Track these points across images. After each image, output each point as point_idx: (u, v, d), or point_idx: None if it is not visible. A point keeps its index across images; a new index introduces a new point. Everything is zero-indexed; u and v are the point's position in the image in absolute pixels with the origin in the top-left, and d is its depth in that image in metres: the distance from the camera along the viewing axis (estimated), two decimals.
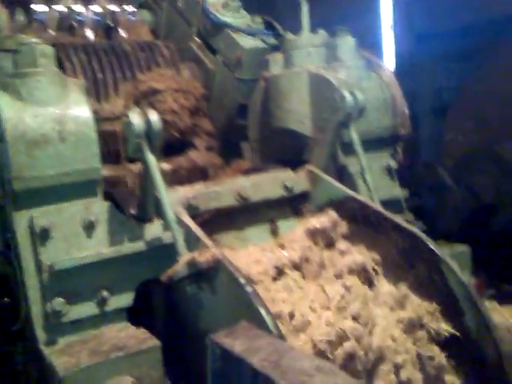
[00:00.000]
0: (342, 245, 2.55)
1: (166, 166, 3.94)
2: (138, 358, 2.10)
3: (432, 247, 2.29)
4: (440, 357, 2.22)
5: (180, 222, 2.38)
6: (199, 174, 3.99)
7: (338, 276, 2.41)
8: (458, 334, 2.18)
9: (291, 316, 2.10)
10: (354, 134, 2.90)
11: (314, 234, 2.57)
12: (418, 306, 2.21)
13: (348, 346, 2.02)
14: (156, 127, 2.28)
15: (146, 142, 2.32)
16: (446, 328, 2.16)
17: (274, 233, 2.93)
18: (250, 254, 2.48)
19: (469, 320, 2.19)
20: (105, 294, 2.36)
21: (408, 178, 4.14)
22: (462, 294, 2.22)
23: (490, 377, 2.11)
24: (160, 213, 2.38)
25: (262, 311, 1.89)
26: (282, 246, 2.57)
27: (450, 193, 3.84)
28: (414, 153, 5.64)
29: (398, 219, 2.47)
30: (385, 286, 2.33)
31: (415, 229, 2.39)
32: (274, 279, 2.34)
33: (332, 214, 2.65)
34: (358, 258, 2.42)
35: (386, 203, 3.07)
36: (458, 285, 2.23)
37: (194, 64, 4.43)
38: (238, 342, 1.49)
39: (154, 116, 2.29)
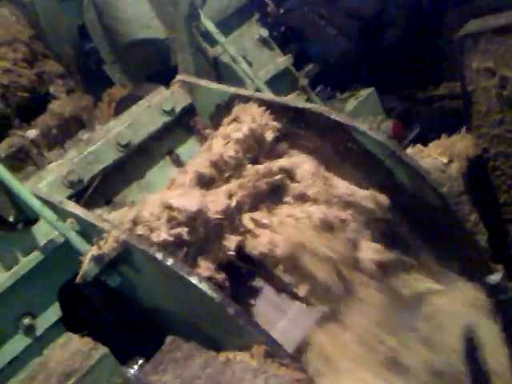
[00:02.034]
0: None
1: (32, 133, 3.44)
2: (92, 375, 1.90)
3: (336, 118, 2.06)
4: None
5: (65, 213, 2.03)
6: (74, 125, 3.52)
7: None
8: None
9: None
10: (207, 23, 2.49)
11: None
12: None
13: None
14: None
15: None
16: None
17: (177, 163, 2.62)
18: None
19: (400, 176, 2.05)
20: (26, 320, 2.08)
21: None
22: (383, 152, 2.05)
23: (439, 223, 2.04)
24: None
25: (194, 280, 1.67)
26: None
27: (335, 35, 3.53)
28: None
29: (292, 100, 2.19)
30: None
31: (314, 105, 2.14)
32: None
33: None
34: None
35: (276, 79, 2.78)
36: (376, 145, 2.05)
37: (6, 1, 3.70)
38: (167, 376, 1.27)
39: None
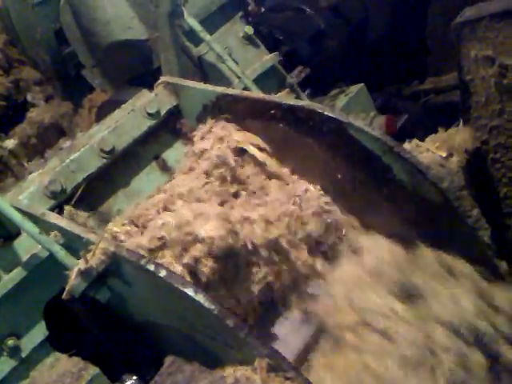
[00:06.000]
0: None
1: (10, 143, 3.32)
2: None
3: (330, 114, 1.97)
4: None
5: (48, 225, 1.91)
6: (53, 133, 3.39)
7: None
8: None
9: None
10: (191, 21, 2.39)
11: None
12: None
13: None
14: None
15: None
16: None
17: (164, 168, 2.52)
18: None
19: (399, 173, 1.97)
20: (11, 342, 1.96)
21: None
22: (381, 148, 1.97)
23: (440, 220, 1.96)
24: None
25: (190, 292, 1.56)
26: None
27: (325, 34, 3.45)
28: None
29: (283, 98, 2.10)
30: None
31: (307, 102, 2.05)
32: None
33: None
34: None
35: (263, 77, 2.69)
36: (373, 141, 1.97)
37: None
38: None
39: None
